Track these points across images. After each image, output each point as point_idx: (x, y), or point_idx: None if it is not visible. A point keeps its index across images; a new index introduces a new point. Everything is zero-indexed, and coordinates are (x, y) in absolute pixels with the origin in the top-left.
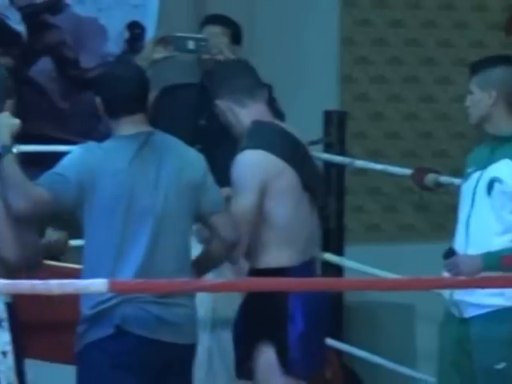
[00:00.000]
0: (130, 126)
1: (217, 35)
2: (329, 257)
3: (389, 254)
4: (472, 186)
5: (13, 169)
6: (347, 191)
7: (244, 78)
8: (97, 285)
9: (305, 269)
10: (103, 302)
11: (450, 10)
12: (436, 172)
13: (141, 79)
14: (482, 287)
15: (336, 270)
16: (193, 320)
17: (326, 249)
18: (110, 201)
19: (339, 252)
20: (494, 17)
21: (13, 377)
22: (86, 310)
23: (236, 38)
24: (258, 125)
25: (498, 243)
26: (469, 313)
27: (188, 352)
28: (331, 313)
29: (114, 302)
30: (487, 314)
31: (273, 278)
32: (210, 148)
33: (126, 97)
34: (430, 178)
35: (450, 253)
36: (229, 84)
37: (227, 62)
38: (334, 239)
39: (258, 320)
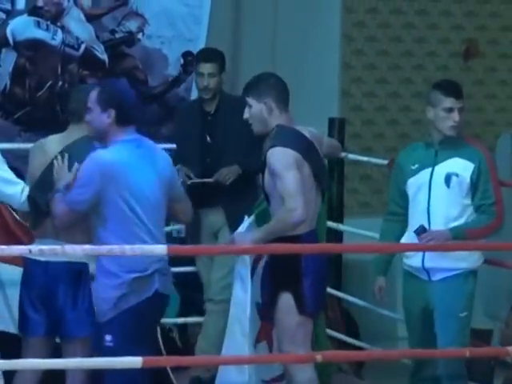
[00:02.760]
0: (131, 132)
1: (210, 73)
2: (332, 225)
3: (376, 225)
4: (425, 180)
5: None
6: (345, 178)
7: (280, 91)
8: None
9: (311, 235)
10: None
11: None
12: None
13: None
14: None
15: (338, 235)
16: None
17: (330, 219)
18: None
19: (340, 222)
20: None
21: None
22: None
23: (224, 65)
24: (281, 128)
25: (455, 223)
26: (438, 276)
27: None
28: (332, 269)
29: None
30: (456, 275)
31: (290, 244)
32: None
33: (133, 109)
34: None
35: (422, 229)
36: (268, 92)
37: (269, 74)
38: (336, 214)
39: (280, 275)
